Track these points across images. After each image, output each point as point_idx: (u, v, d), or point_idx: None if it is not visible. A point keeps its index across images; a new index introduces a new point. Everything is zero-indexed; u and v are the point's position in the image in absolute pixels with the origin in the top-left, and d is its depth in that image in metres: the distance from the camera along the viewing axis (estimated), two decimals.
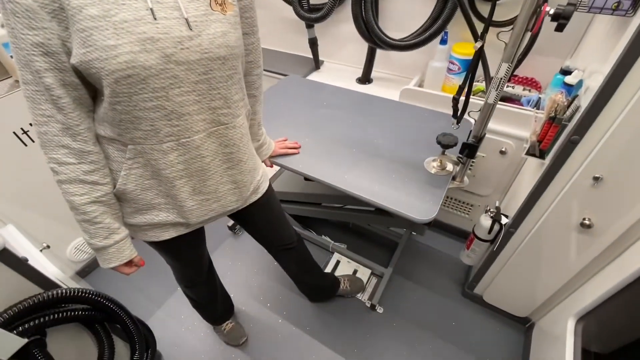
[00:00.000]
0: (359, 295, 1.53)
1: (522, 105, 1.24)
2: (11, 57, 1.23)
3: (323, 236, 1.78)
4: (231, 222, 1.83)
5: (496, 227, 1.13)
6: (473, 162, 1.28)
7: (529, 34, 0.66)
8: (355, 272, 1.62)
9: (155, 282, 1.60)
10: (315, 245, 1.76)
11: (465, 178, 1.03)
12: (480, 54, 0.74)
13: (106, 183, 0.67)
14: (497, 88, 0.75)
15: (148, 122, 0.61)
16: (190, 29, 0.57)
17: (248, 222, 1.03)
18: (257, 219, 1.00)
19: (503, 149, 1.23)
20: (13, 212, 1.31)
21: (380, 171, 1.04)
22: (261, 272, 1.66)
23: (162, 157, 0.65)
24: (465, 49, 1.27)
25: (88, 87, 0.60)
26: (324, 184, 1.02)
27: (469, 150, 0.91)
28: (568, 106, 0.86)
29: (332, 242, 1.71)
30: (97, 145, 0.65)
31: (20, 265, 0.82)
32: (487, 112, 0.83)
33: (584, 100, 0.84)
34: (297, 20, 1.57)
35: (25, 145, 1.27)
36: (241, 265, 1.69)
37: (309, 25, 1.58)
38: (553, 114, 0.87)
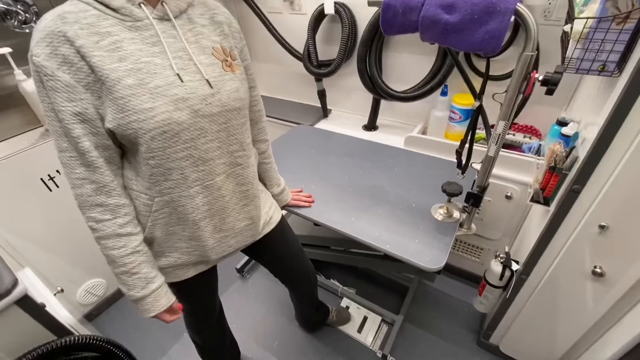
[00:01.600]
0: (369, 344, 1.48)
1: (523, 152, 1.28)
2: None
3: (332, 280, 1.76)
4: (240, 265, 1.83)
5: (507, 273, 1.12)
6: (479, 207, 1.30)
7: (521, 96, 0.72)
8: (365, 319, 1.58)
9: (163, 327, 1.58)
10: (324, 289, 1.73)
11: (473, 225, 1.04)
12: (479, 112, 0.80)
13: (138, 232, 0.71)
14: (497, 143, 0.80)
15: (179, 171, 0.68)
16: (211, 87, 0.67)
17: (264, 254, 1.05)
18: (273, 249, 1.03)
19: (508, 194, 1.25)
20: (31, 254, 1.35)
21: (387, 218, 1.06)
22: (268, 317, 1.62)
23: (190, 202, 0.72)
24: (465, 100, 1.35)
25: (117, 148, 0.67)
26: (333, 230, 1.05)
27: (474, 199, 0.93)
28: (567, 156, 0.90)
29: (341, 286, 1.69)
30: (128, 198, 0.70)
31: (38, 312, 0.85)
32: (488, 164, 0.87)
33: (582, 151, 0.87)
34: (307, 74, 1.71)
35: (50, 190, 1.34)
36: (248, 309, 1.67)
37: (318, 79, 1.70)
38: (553, 164, 0.90)
